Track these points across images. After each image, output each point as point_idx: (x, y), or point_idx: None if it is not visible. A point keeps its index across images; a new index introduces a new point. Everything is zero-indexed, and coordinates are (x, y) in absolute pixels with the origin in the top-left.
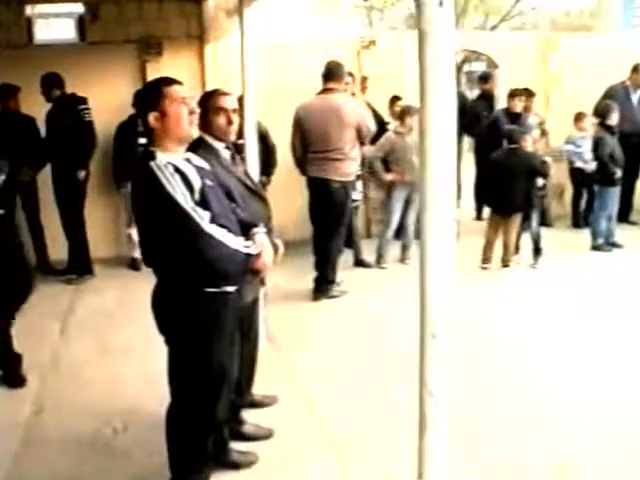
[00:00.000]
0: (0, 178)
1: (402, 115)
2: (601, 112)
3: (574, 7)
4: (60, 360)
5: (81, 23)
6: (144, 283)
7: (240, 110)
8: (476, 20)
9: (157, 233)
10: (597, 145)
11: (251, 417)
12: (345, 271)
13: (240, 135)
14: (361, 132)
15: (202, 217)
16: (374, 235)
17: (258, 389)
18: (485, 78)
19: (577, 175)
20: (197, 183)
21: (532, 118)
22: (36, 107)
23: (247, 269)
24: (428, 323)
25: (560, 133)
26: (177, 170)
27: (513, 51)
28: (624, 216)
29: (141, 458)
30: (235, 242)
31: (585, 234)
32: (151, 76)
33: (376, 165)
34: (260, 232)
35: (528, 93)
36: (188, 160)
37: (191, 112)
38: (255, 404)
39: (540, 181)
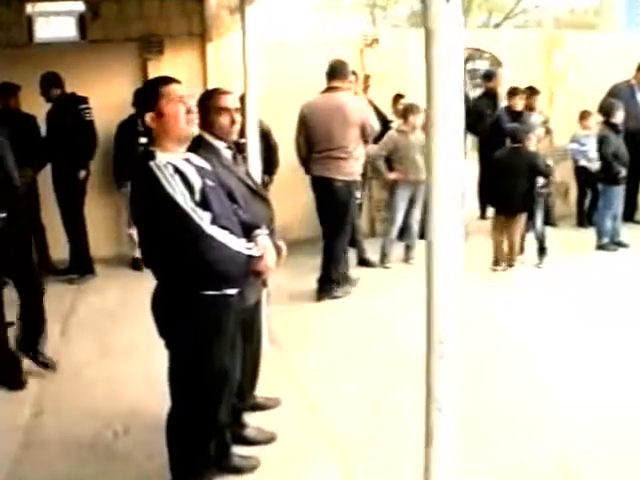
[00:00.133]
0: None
1: (405, 113)
2: (606, 110)
3: (578, 5)
4: (60, 361)
5: (82, 21)
6: (146, 283)
7: (242, 109)
8: (479, 18)
9: (157, 234)
10: (601, 144)
11: (253, 419)
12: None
13: (242, 134)
14: (365, 131)
15: (202, 218)
16: (378, 234)
17: (260, 390)
18: (489, 76)
19: (582, 174)
20: (197, 183)
21: (536, 116)
22: (36, 106)
23: (249, 271)
24: (435, 330)
25: (564, 131)
26: (177, 170)
27: (517, 49)
28: (629, 215)
29: (142, 461)
30: (237, 244)
31: (590, 233)
32: (152, 75)
33: (379, 164)
34: (262, 234)
35: (532, 91)
36: (188, 160)
37: (189, 111)
38: (258, 407)
39: (541, 180)
